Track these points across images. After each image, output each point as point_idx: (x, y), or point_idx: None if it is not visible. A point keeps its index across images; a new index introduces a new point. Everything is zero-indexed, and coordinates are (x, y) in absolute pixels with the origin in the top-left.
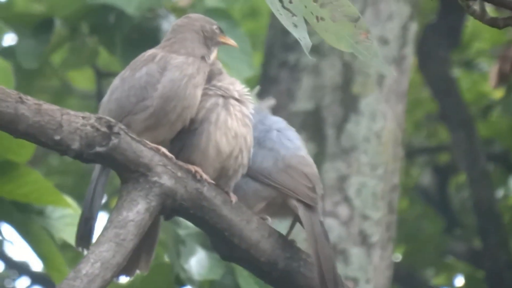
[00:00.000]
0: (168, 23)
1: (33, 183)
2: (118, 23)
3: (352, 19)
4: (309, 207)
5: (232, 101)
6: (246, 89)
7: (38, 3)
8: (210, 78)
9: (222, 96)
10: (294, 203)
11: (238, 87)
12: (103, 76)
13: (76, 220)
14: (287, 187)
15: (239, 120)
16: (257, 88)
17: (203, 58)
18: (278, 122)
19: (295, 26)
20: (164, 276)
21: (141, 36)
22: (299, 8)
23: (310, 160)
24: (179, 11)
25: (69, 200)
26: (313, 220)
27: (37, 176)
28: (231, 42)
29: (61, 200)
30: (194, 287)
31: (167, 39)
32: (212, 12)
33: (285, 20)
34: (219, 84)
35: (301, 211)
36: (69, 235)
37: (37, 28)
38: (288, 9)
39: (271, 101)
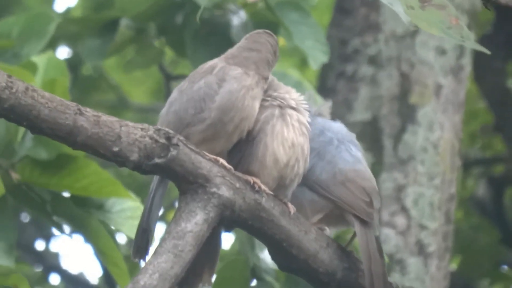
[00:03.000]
0: (239, 19)
1: (92, 175)
2: (186, 22)
3: (440, 8)
4: (365, 222)
5: (289, 111)
6: (302, 97)
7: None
8: (266, 88)
9: (279, 106)
10: (350, 217)
11: (294, 96)
12: (172, 79)
13: (136, 213)
14: (344, 200)
15: (296, 130)
16: (329, 104)
17: (265, 78)
18: (339, 130)
19: (391, 4)
20: (239, 272)
21: (211, 33)
22: None
23: (369, 173)
24: (250, 6)
25: (129, 192)
26: (368, 236)
27: (95, 167)
28: None
29: (121, 191)
30: (271, 278)
31: (246, 48)
32: (284, 5)
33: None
34: (275, 94)
35: (357, 226)
36: (129, 228)
37: (102, 29)
38: None
39: (328, 104)
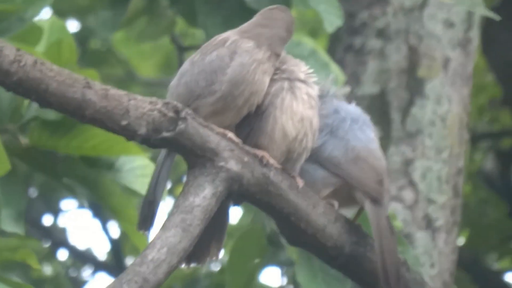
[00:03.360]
0: None
1: (101, 134)
2: None
3: None
4: (375, 201)
5: (298, 84)
6: (311, 70)
7: None
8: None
9: (288, 79)
10: (360, 195)
11: (303, 68)
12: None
13: (146, 170)
14: (355, 178)
15: (305, 103)
16: (348, 89)
17: (277, 55)
18: (354, 111)
19: None
20: (256, 240)
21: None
22: None
23: (380, 153)
24: None
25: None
26: (379, 214)
27: None
28: None
29: (131, 148)
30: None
31: (259, 25)
32: None
33: None
34: (284, 66)
35: (367, 204)
36: (140, 186)
37: (113, 1)
38: None
39: (347, 89)
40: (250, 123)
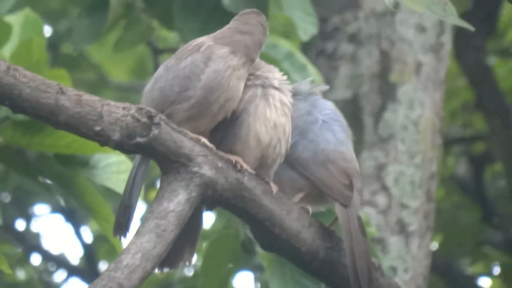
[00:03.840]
0: None
1: None
2: None
3: None
4: (343, 204)
5: (272, 91)
6: (285, 77)
7: None
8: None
9: (262, 86)
10: (330, 197)
11: (277, 75)
12: (160, 53)
13: (121, 167)
14: (322, 181)
15: (278, 110)
16: (326, 86)
17: (251, 60)
18: (327, 110)
19: None
20: (229, 245)
21: (200, 1)
22: None
23: (351, 154)
24: None
25: None
26: (349, 216)
27: None
28: None
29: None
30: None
31: (238, 31)
32: None
33: None
34: (258, 73)
35: (337, 206)
36: (115, 183)
37: (92, 7)
38: None
39: (324, 87)
40: (224, 129)
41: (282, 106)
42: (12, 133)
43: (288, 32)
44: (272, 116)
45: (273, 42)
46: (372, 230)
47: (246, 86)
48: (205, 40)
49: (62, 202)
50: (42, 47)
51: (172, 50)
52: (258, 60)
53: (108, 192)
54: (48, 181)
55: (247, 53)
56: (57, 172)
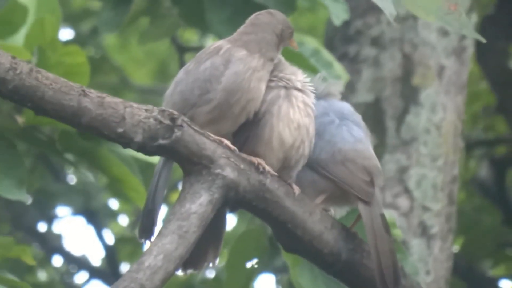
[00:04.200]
0: None
1: None
2: None
3: None
4: (365, 201)
5: (295, 92)
6: (308, 79)
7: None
8: (272, 68)
9: (285, 87)
10: (352, 196)
11: (300, 77)
12: (185, 51)
13: None
14: (343, 180)
15: (302, 111)
16: (341, 82)
17: (270, 59)
18: (343, 110)
19: None
20: (256, 240)
21: None
22: None
23: (370, 152)
24: None
25: None
26: (372, 214)
27: None
28: (295, 45)
29: None
30: None
31: (244, 33)
32: None
33: None
34: (281, 74)
35: (360, 204)
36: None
37: (115, 1)
38: None
39: (340, 84)
40: (247, 131)
41: (305, 107)
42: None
43: (313, 31)
44: (295, 117)
45: (300, 39)
46: (397, 232)
47: (269, 87)
48: (223, 43)
49: (91, 177)
50: (56, 25)
51: (196, 49)
52: (282, 61)
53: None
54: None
55: (263, 54)
56: (81, 147)
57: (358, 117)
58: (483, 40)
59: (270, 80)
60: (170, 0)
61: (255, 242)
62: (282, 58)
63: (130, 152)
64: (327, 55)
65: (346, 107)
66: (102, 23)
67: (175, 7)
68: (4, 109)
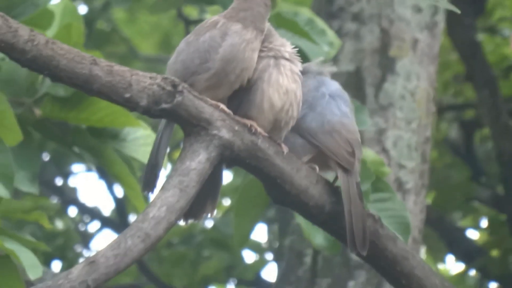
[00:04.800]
0: None
1: (106, 108)
2: None
3: None
4: (346, 169)
5: (283, 61)
6: (295, 49)
7: None
8: (263, 39)
9: (274, 57)
10: (334, 163)
11: (288, 48)
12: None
13: (148, 140)
14: (329, 148)
15: (289, 78)
16: (334, 68)
17: (262, 30)
18: (333, 88)
19: None
20: (258, 190)
21: None
22: None
23: (354, 127)
24: None
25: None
26: (349, 181)
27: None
28: None
29: (132, 121)
30: None
31: (240, 9)
32: None
33: None
34: (271, 45)
35: (339, 172)
36: (142, 154)
37: None
38: None
39: (333, 67)
40: (240, 96)
41: (293, 74)
42: (51, 108)
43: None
44: (284, 83)
45: (295, 10)
46: (385, 169)
47: (260, 57)
48: (219, 18)
49: (92, 168)
50: (80, 31)
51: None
52: (273, 32)
53: (136, 163)
54: (81, 151)
55: (256, 26)
56: (90, 143)
57: (345, 94)
58: (457, 11)
59: (261, 51)
60: None
61: (258, 189)
62: (273, 30)
63: (131, 153)
64: (320, 23)
65: (335, 84)
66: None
67: None
68: (26, 101)
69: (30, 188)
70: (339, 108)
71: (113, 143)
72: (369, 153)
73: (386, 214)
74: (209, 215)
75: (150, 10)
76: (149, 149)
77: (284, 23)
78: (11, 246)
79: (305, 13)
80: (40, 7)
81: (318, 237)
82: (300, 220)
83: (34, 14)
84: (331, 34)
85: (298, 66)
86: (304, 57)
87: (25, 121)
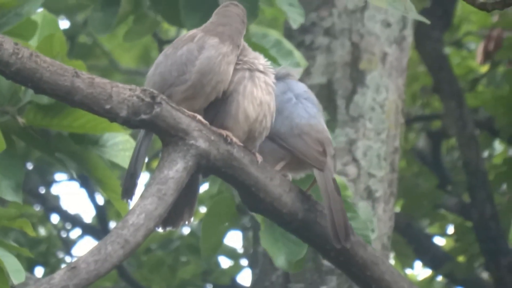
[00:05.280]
0: None
1: (87, 114)
2: None
3: None
4: (319, 168)
5: (257, 74)
6: (268, 62)
7: None
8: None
9: (249, 69)
10: (308, 164)
11: (262, 61)
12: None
13: (126, 145)
14: (299, 150)
15: (263, 90)
16: (300, 69)
17: (238, 46)
18: (300, 90)
19: None
20: (227, 206)
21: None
22: None
23: (322, 126)
24: None
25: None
26: (326, 178)
27: None
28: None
29: (113, 126)
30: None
31: (219, 24)
32: None
33: None
34: (245, 59)
35: (315, 170)
36: (121, 159)
37: (104, 3)
38: None
39: (299, 69)
40: (216, 107)
41: (267, 86)
42: (34, 115)
43: (273, 25)
44: (258, 94)
45: (263, 32)
46: (348, 193)
47: (235, 70)
48: (197, 32)
49: (74, 175)
50: (63, 41)
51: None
52: (246, 47)
53: (115, 167)
54: (64, 157)
55: (232, 41)
56: (72, 149)
57: (312, 95)
58: (427, 21)
59: (236, 64)
60: (150, 1)
61: (226, 208)
62: (246, 44)
63: (111, 158)
64: (287, 45)
65: (302, 87)
66: (94, 25)
67: (155, 7)
68: (9, 110)
69: (14, 197)
70: (306, 110)
71: (93, 148)
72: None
73: None
74: (186, 223)
75: (124, 39)
76: (128, 154)
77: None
78: None
79: (273, 34)
80: (23, 17)
81: (280, 258)
82: (263, 242)
83: (17, 24)
84: (297, 55)
85: (271, 78)
86: None
87: (8, 129)
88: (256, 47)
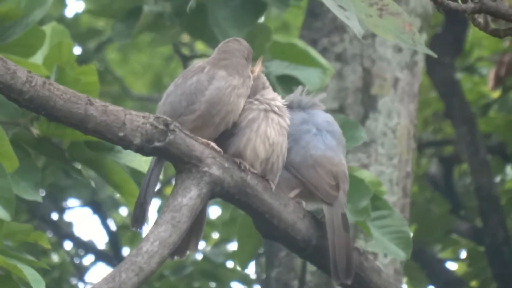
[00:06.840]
0: None
1: None
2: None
3: (395, 15)
4: (328, 203)
5: (272, 115)
6: (286, 103)
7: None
8: (256, 91)
9: (264, 110)
10: (318, 196)
11: (278, 103)
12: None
13: None
14: (310, 182)
15: (277, 131)
16: (324, 94)
17: (248, 77)
18: (321, 121)
19: (348, 18)
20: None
21: None
22: (350, 6)
23: (339, 159)
24: None
25: None
26: (333, 213)
27: None
28: (254, 69)
29: None
30: None
31: (220, 59)
32: None
33: (340, 14)
34: (262, 98)
35: (324, 204)
36: (138, 163)
37: (126, 15)
38: (341, 6)
39: (323, 95)
40: (225, 139)
41: (281, 128)
42: (48, 126)
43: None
44: (271, 135)
45: (289, 41)
46: (383, 188)
47: (251, 109)
48: (205, 64)
49: (93, 184)
50: (71, 48)
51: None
52: (266, 85)
53: (132, 172)
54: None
55: (240, 74)
56: (88, 156)
57: (336, 127)
58: (434, 55)
59: (252, 103)
60: (173, 14)
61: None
62: (267, 83)
63: (127, 163)
64: (314, 53)
65: (326, 117)
66: (116, 34)
67: (177, 18)
68: (22, 122)
69: (33, 196)
70: (324, 142)
71: (109, 155)
72: (366, 174)
73: (387, 231)
74: (192, 252)
75: (149, 45)
76: (144, 158)
77: (280, 52)
78: (14, 263)
79: (299, 44)
80: (30, 25)
81: None
82: None
83: (24, 33)
84: (324, 61)
85: (286, 120)
86: (299, 85)
87: (23, 141)
88: (284, 52)
